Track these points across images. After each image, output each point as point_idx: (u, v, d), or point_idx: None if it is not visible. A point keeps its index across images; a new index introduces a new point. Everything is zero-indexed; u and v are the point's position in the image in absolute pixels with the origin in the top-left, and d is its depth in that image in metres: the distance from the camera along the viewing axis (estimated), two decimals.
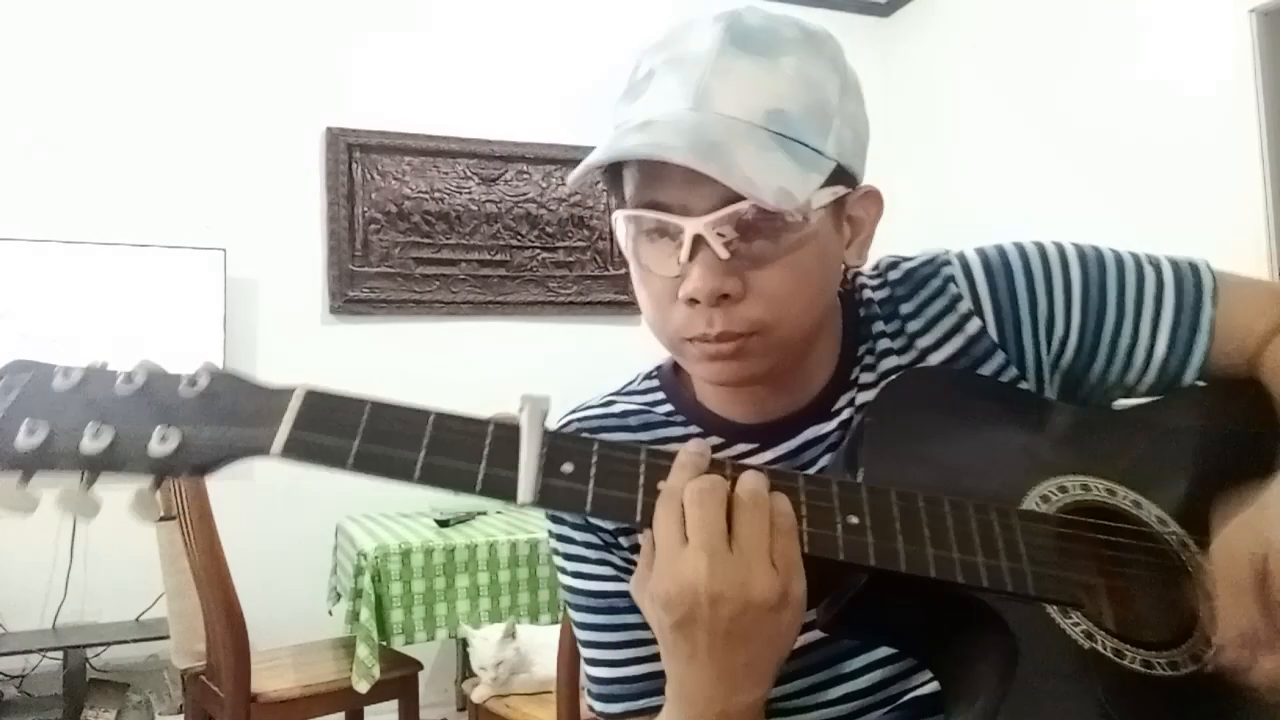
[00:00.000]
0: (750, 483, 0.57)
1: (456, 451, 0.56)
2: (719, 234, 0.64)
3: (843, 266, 0.74)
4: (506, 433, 0.57)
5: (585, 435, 0.60)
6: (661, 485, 0.58)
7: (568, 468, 0.57)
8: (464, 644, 2.54)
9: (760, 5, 0.72)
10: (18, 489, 0.51)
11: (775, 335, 0.68)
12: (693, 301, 0.66)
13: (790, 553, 0.56)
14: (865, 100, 0.74)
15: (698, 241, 0.65)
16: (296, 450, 0.54)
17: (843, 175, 0.69)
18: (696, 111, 0.65)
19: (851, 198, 0.72)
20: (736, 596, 0.55)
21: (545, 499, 0.57)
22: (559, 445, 0.58)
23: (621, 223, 0.70)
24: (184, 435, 0.53)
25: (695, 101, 0.66)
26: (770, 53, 0.67)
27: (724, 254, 0.65)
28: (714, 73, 0.66)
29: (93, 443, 0.51)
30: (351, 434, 0.55)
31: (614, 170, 0.73)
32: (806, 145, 0.66)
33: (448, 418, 0.57)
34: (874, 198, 0.75)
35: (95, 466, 0.51)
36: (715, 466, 0.59)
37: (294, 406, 0.55)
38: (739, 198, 0.63)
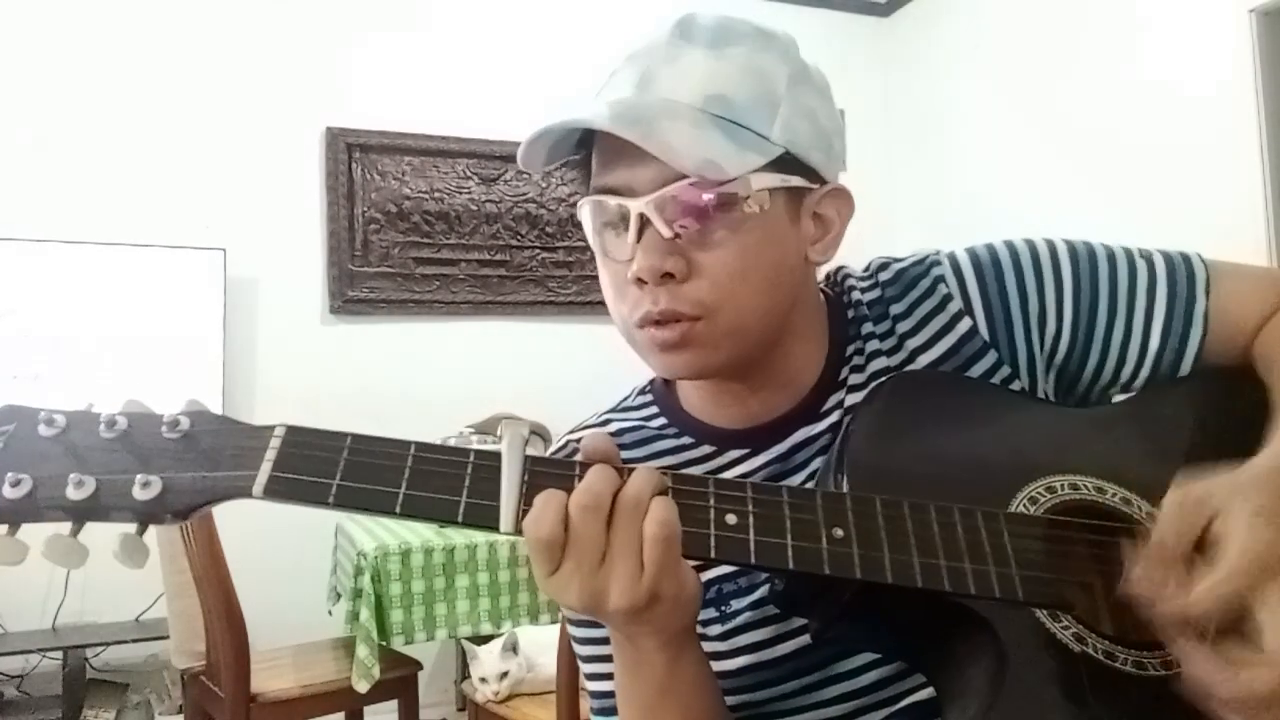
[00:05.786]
0: (633, 488, 0.57)
1: (437, 484, 0.56)
2: (661, 213, 0.66)
3: (804, 262, 0.74)
4: (487, 462, 0.57)
5: (566, 459, 0.60)
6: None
7: None
8: (463, 645, 2.54)
9: (721, 6, 0.75)
10: (5, 539, 0.51)
11: (720, 321, 0.68)
12: (640, 282, 0.68)
13: (662, 557, 0.56)
14: (833, 99, 0.75)
15: (643, 221, 0.67)
16: (277, 491, 0.54)
17: (796, 165, 0.70)
18: (638, 93, 0.69)
19: (816, 194, 0.73)
20: (600, 606, 0.57)
21: None
22: (539, 472, 0.57)
23: (585, 214, 0.73)
24: (165, 482, 0.53)
25: (639, 87, 0.69)
26: (718, 44, 0.70)
27: (666, 232, 0.67)
28: (661, 61, 0.70)
29: (76, 492, 0.51)
30: (331, 472, 0.55)
31: (585, 167, 0.74)
32: (749, 129, 0.68)
33: (428, 449, 0.57)
34: (844, 197, 0.75)
35: (79, 516, 0.52)
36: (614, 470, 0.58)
37: (274, 446, 0.55)
38: (680, 177, 0.65)
